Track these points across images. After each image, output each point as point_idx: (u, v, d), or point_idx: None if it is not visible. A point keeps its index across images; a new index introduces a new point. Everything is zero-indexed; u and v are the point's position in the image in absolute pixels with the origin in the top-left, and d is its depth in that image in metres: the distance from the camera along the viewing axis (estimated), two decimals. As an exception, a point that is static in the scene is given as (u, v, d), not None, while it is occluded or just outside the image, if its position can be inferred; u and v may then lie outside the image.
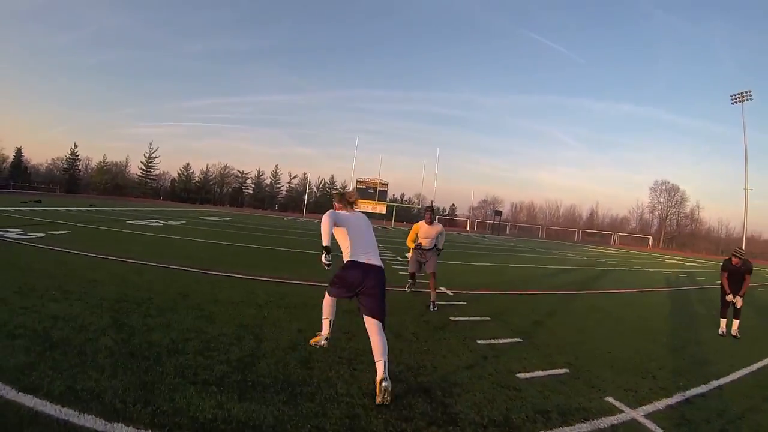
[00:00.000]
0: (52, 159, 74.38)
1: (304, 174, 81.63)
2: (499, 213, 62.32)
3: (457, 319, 5.52)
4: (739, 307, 6.23)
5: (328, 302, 3.46)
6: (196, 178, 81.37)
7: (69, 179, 70.20)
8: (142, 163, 76.78)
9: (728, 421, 3.20)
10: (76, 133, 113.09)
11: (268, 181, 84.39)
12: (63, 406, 2.32)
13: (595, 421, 2.94)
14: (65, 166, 72.31)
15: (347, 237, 3.32)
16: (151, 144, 77.34)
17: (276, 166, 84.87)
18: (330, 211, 3.30)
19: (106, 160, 75.62)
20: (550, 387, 3.46)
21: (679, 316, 7.57)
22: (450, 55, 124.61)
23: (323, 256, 2.97)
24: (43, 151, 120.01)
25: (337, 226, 3.28)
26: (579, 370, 3.95)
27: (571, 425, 2.85)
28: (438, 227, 6.48)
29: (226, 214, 38.73)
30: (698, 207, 68.13)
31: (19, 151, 67.39)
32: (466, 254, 16.88)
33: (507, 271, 12.29)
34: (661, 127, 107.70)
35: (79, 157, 73.46)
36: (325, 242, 2.99)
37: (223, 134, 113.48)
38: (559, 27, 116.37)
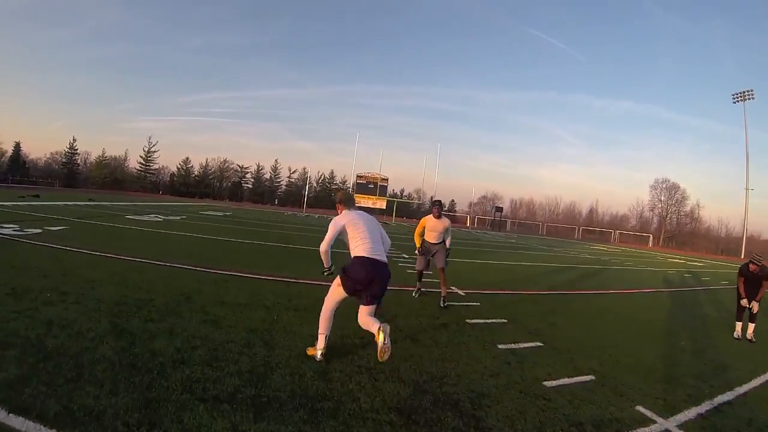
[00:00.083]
0: (51, 153, 74.03)
1: (304, 169, 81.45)
2: (500, 209, 62.01)
3: (473, 321, 5.32)
4: (755, 312, 6.14)
5: (326, 316, 3.45)
6: (196, 173, 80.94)
7: (68, 174, 69.78)
8: (141, 157, 76.36)
9: (758, 430, 3.15)
10: (75, 127, 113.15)
11: (267, 176, 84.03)
12: (58, 431, 2.06)
13: (631, 433, 2.80)
14: (64, 160, 71.88)
15: (352, 236, 3.47)
16: (150, 138, 76.93)
17: (276, 160, 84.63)
18: (332, 223, 3.53)
19: (105, 155, 75.22)
20: (579, 396, 3.32)
21: (691, 318, 7.42)
22: (450, 51, 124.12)
23: (328, 272, 3.58)
24: (42, 145, 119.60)
25: (342, 231, 3.52)
26: (604, 376, 3.83)
27: (607, 438, 2.68)
28: (445, 222, 6.41)
29: (226, 208, 38.39)
30: (698, 206, 68.08)
31: (17, 146, 67.05)
32: (471, 251, 16.64)
33: (514, 269, 12.05)
34: (662, 125, 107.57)
35: (77, 151, 73.16)
36: (326, 266, 3.56)
37: (223, 128, 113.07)
38: (559, 23, 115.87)
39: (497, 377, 3.54)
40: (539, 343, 4.63)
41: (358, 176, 51.04)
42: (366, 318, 3.38)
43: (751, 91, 48.39)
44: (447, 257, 6.46)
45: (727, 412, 3.38)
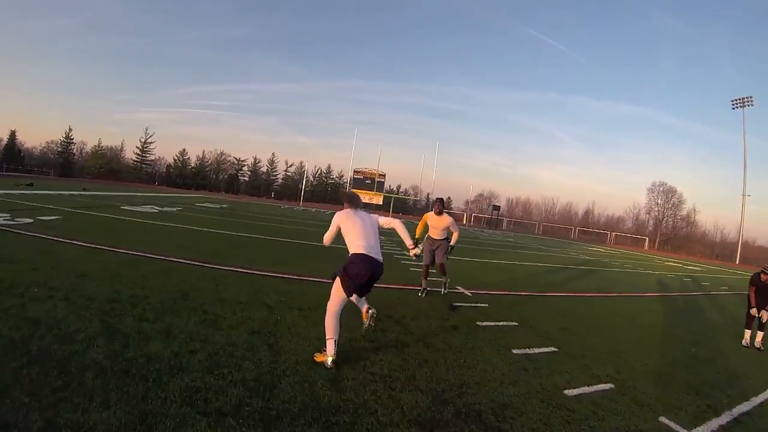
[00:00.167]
0: (47, 142, 73.10)
1: (301, 162, 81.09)
2: (497, 208, 61.92)
3: (484, 324, 5.14)
4: (765, 321, 6.11)
5: (331, 319, 3.33)
6: (192, 164, 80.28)
7: (63, 163, 69.00)
8: (137, 147, 75.56)
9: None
10: (72, 117, 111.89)
11: (264, 169, 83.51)
12: (40, 451, 1.80)
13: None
14: (59, 149, 71.03)
15: (350, 233, 3.56)
16: (147, 129, 76.11)
17: (273, 153, 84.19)
18: (334, 218, 3.66)
19: (101, 145, 74.37)
20: (601, 406, 3.23)
21: (697, 324, 7.33)
22: (450, 49, 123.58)
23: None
24: (38, 134, 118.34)
25: (341, 228, 3.63)
26: (623, 385, 3.73)
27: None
28: (446, 219, 6.46)
29: (223, 200, 37.99)
30: (694, 210, 68.20)
31: (13, 134, 66.10)
32: (472, 250, 16.41)
33: (516, 269, 11.84)
34: (660, 129, 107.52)
35: (73, 140, 72.32)
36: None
37: (220, 121, 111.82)
38: (559, 24, 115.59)
39: (517, 385, 3.39)
40: (553, 348, 4.53)
41: (355, 171, 50.78)
42: (332, 324, 3.33)
43: (751, 98, 48.37)
44: (447, 253, 6.50)
45: (747, 424, 3.33)
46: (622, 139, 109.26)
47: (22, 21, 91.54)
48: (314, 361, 3.22)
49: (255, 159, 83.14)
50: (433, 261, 6.54)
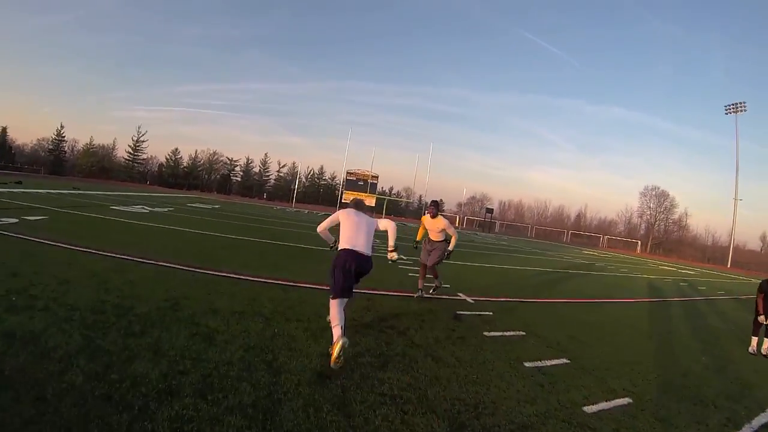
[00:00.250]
0: (38, 140, 71.92)
1: (293, 163, 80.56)
2: (490, 211, 61.94)
3: (490, 334, 4.94)
4: None
5: (334, 308, 3.55)
6: (185, 164, 79.45)
7: (54, 161, 67.95)
8: (129, 146, 74.64)
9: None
10: (64, 114, 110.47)
11: (256, 169, 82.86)
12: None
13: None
14: (51, 147, 69.96)
15: (342, 229, 3.96)
16: (139, 128, 75.24)
17: (265, 154, 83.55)
18: (338, 211, 4.12)
19: (93, 143, 73.33)
20: (624, 424, 3.10)
21: (702, 331, 7.22)
22: (445, 51, 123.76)
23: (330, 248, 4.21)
24: (30, 131, 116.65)
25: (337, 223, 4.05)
26: (640, 398, 3.61)
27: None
28: (441, 222, 6.45)
29: (215, 201, 37.50)
30: (686, 214, 68.81)
31: (3, 131, 64.88)
32: (468, 254, 16.20)
33: (514, 274, 11.66)
34: (653, 133, 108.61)
35: (65, 138, 71.30)
36: (330, 243, 4.28)
37: (214, 120, 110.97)
38: (554, 28, 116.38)
39: (535, 403, 3.18)
40: (565, 360, 4.36)
41: (348, 173, 50.53)
42: (335, 313, 3.51)
43: (744, 103, 48.94)
44: (443, 258, 6.50)
45: (768, 437, 3.24)
46: (615, 143, 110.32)
47: (15, 17, 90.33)
48: (318, 381, 2.95)
49: (248, 159, 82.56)
50: (428, 258, 6.54)
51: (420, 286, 6.54)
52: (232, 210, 25.67)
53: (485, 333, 4.94)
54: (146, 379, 2.58)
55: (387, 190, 78.60)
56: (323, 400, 2.68)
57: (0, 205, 11.61)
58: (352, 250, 3.76)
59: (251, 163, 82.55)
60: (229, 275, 6.01)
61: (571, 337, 5.38)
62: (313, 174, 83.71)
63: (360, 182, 49.78)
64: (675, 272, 22.98)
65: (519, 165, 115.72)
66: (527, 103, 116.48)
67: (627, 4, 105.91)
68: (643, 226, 71.01)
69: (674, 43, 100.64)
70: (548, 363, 4.19)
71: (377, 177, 51.14)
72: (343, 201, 46.96)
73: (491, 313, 6.00)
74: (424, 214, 6.75)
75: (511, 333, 5.11)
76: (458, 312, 5.79)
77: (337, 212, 4.07)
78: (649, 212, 70.12)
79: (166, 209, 18.41)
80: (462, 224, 64.16)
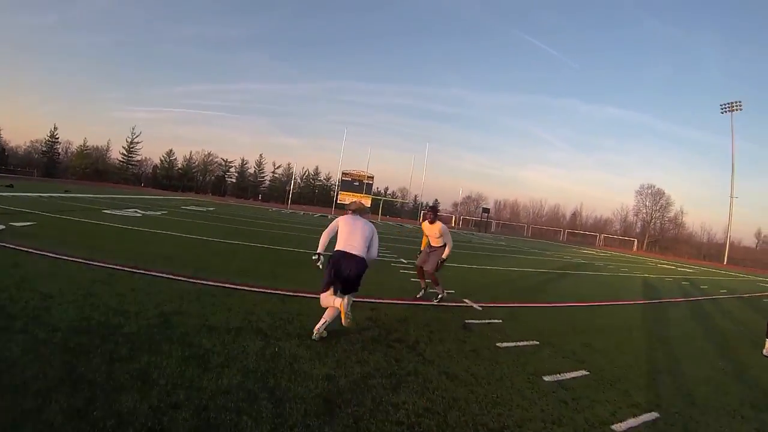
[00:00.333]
0: (31, 141, 71.06)
1: (289, 164, 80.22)
2: (486, 211, 61.88)
3: (503, 345, 4.69)
4: None
5: (324, 299, 4.07)
6: (179, 165, 78.83)
7: (47, 163, 67.19)
8: (123, 148, 73.96)
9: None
10: (58, 115, 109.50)
11: (251, 171, 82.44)
12: None
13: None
14: (44, 149, 69.12)
15: (340, 233, 4.23)
16: (133, 129, 74.59)
17: (260, 155, 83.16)
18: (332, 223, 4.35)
19: (87, 144, 72.54)
20: None
21: (712, 333, 7.07)
22: (441, 51, 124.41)
23: (317, 258, 4.22)
24: (24, 133, 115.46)
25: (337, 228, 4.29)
26: (667, 412, 3.42)
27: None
28: (437, 227, 6.41)
29: (209, 203, 37.03)
30: (682, 212, 69.04)
31: (-4, 133, 64.07)
32: (468, 256, 15.96)
33: (517, 276, 11.40)
34: (648, 132, 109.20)
35: (59, 140, 70.50)
36: (319, 250, 4.21)
37: (208, 121, 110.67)
38: (550, 29, 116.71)
39: (561, 424, 2.95)
40: (584, 372, 4.14)
41: (343, 173, 50.25)
42: (326, 301, 4.02)
43: (740, 102, 49.17)
44: (438, 264, 6.39)
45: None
46: (610, 141, 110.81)
47: (7, 16, 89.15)
48: (326, 411, 2.65)
49: (242, 160, 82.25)
50: (425, 262, 6.52)
51: (423, 286, 6.65)
52: (227, 212, 25.30)
53: (498, 344, 4.69)
54: (133, 416, 2.28)
55: (383, 191, 78.42)
56: (333, 436, 2.39)
57: (-14, 210, 11.22)
58: (342, 250, 4.08)
59: (246, 164, 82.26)
60: (224, 285, 5.70)
61: (585, 345, 5.17)
62: (309, 175, 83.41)
63: (355, 183, 49.53)
64: (674, 270, 22.88)
65: (514, 164, 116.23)
66: (522, 102, 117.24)
67: (623, 5, 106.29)
68: (638, 224, 71.29)
69: (670, 42, 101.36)
70: (567, 376, 3.97)
71: (373, 177, 50.91)
72: (338, 202, 46.64)
73: (500, 321, 5.76)
74: (423, 220, 6.71)
75: (525, 343, 4.87)
76: (467, 321, 5.53)
77: (338, 219, 4.32)
78: (645, 210, 70.38)
79: (159, 212, 18.04)
80: (458, 224, 64.06)
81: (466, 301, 6.72)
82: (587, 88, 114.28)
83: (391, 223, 45.32)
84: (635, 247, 56.21)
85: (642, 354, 5.17)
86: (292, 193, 60.29)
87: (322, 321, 3.98)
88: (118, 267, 5.97)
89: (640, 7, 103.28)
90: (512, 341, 4.85)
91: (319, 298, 4.13)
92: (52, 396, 2.37)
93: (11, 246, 6.56)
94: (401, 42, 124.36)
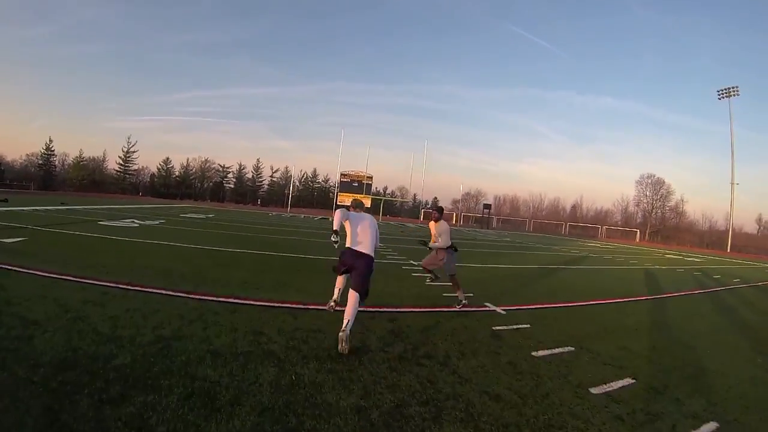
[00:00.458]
0: (27, 155, 70.45)
1: (286, 168, 79.76)
2: (488, 206, 61.47)
3: (539, 354, 4.30)
4: None
5: (337, 279, 4.69)
6: (176, 173, 78.28)
7: (44, 175, 66.64)
8: (120, 158, 73.41)
9: None
10: (53, 128, 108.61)
11: (249, 175, 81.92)
12: None
13: None
14: (40, 161, 68.58)
15: (348, 231, 4.36)
16: (129, 138, 74.03)
17: (258, 159, 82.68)
18: (342, 208, 4.36)
19: (83, 156, 71.96)
20: None
21: (741, 326, 6.80)
22: (433, 48, 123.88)
23: (332, 236, 3.99)
24: (20, 147, 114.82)
25: (346, 220, 4.28)
26: (724, 420, 3.17)
27: None
28: (442, 226, 6.34)
29: (208, 210, 36.51)
30: (682, 200, 68.68)
31: (-7, 147, 63.49)
32: (477, 254, 15.52)
33: (531, 274, 10.94)
34: (645, 121, 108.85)
35: (54, 152, 70.07)
36: (335, 227, 4.02)
37: (204, 128, 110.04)
38: (541, 21, 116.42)
39: None
40: (630, 380, 3.80)
41: (342, 174, 49.76)
42: (348, 304, 4.00)
43: (737, 87, 48.80)
44: (451, 262, 6.27)
45: None
46: (607, 132, 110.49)
47: (1, 29, 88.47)
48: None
49: (240, 165, 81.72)
50: (431, 262, 6.45)
51: (431, 276, 6.92)
52: (227, 218, 24.81)
53: (533, 353, 4.30)
54: (125, 483, 1.82)
55: (382, 191, 78.03)
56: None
57: (-24, 227, 10.73)
58: (350, 248, 4.29)
59: (244, 169, 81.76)
60: (227, 300, 5.24)
61: (622, 348, 4.82)
62: (307, 177, 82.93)
63: (354, 183, 49.10)
64: (682, 260, 22.51)
65: (511, 159, 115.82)
66: (517, 96, 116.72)
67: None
68: (639, 214, 70.88)
69: (662, 30, 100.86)
70: (615, 386, 3.62)
71: (371, 177, 50.46)
72: (338, 203, 46.20)
73: (528, 326, 5.35)
74: (430, 220, 6.73)
75: (560, 350, 4.49)
76: (494, 328, 5.09)
77: (342, 210, 4.26)
78: (645, 200, 69.99)
79: (157, 222, 17.54)
80: (459, 221, 63.65)
81: (488, 305, 6.28)
82: (581, 79, 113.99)
83: (392, 222, 44.84)
84: (638, 238, 55.81)
85: (679, 354, 4.86)
86: (291, 196, 59.76)
87: (345, 321, 3.85)
88: (111, 284, 5.50)
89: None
90: (547, 348, 4.47)
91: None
92: (25, 459, 1.91)
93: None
94: (391, 40, 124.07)
